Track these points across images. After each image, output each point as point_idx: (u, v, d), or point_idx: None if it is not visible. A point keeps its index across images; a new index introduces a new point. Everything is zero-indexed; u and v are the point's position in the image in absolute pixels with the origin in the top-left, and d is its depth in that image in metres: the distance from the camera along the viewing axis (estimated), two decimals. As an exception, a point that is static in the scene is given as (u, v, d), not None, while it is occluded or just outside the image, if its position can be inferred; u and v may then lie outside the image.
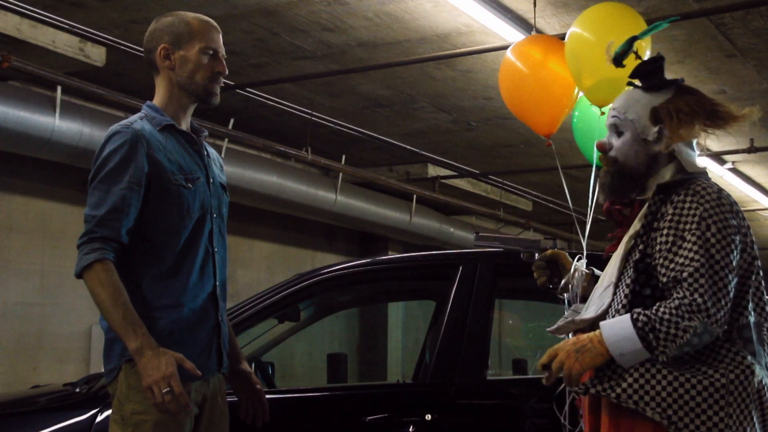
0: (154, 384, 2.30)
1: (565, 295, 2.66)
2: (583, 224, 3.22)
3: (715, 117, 2.36)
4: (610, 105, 2.52)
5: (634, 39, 2.56)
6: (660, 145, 2.34)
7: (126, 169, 2.44)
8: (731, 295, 2.16)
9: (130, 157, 2.45)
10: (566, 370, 2.21)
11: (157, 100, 2.62)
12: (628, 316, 2.18)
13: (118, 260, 2.41)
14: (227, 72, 2.65)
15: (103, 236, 2.39)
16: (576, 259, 2.67)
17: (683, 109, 2.32)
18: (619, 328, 2.17)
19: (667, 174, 2.35)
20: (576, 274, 2.63)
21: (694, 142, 2.40)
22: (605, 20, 3.94)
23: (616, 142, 2.42)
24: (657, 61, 2.42)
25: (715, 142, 8.02)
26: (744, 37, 5.64)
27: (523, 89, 4.28)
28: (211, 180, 2.64)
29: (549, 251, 2.71)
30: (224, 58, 2.64)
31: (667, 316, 2.12)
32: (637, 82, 2.45)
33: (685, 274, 2.15)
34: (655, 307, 2.16)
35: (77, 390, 3.25)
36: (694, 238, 2.17)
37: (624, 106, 2.42)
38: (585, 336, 2.23)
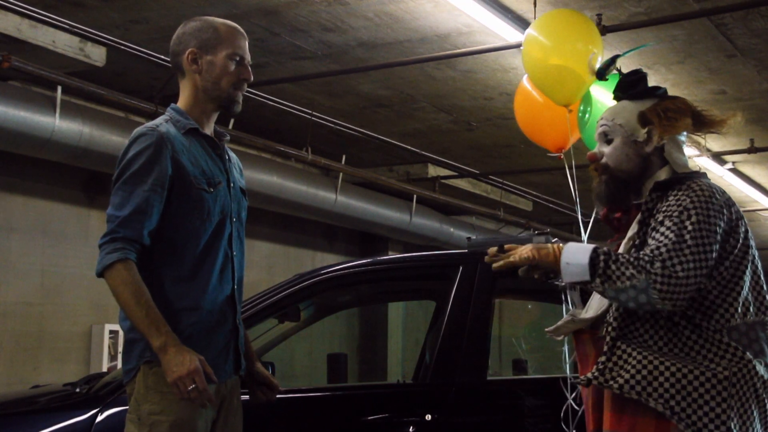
0: (179, 380, 2.32)
1: (561, 283, 2.66)
2: (585, 225, 3.25)
3: (701, 121, 2.45)
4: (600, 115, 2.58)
5: (617, 56, 2.67)
6: (650, 146, 2.41)
7: (150, 171, 2.46)
8: (692, 280, 2.17)
9: (155, 159, 2.47)
10: (518, 252, 2.36)
11: (182, 103, 2.64)
12: (590, 247, 2.28)
13: (139, 262, 2.42)
14: (252, 79, 2.67)
15: (125, 237, 2.41)
16: None
17: (671, 107, 2.42)
18: (580, 246, 2.29)
19: (662, 174, 2.40)
20: None
21: (684, 145, 2.46)
22: (560, 26, 4.16)
23: (607, 149, 2.48)
24: (638, 73, 2.51)
25: (715, 142, 8.02)
26: (744, 37, 5.64)
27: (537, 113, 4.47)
28: (232, 184, 2.66)
29: None
30: (249, 64, 2.66)
31: (623, 260, 2.21)
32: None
33: (651, 248, 2.21)
34: (630, 257, 2.24)
35: (77, 390, 3.25)
36: (670, 223, 2.23)
37: (612, 114, 2.50)
38: (548, 247, 2.36)
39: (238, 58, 2.61)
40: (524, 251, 2.35)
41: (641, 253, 2.22)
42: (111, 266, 2.38)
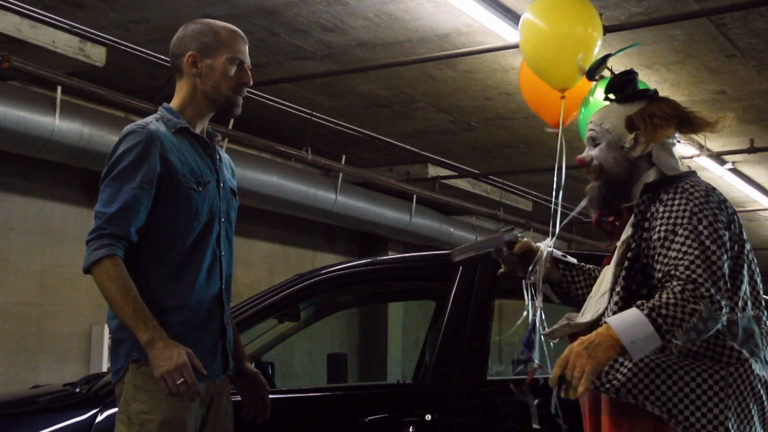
0: (167, 374, 2.32)
1: (530, 280, 2.69)
2: (557, 215, 3.24)
3: (688, 123, 2.43)
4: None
5: (608, 56, 2.66)
6: (636, 151, 2.40)
7: (139, 168, 2.46)
8: (728, 284, 2.17)
9: (144, 156, 2.47)
10: (579, 371, 2.06)
11: (176, 102, 2.64)
12: (633, 308, 2.13)
13: (126, 259, 2.43)
14: (252, 83, 2.68)
15: (113, 233, 2.42)
16: (544, 243, 2.70)
17: (656, 113, 2.39)
18: (626, 317, 2.11)
19: (651, 176, 2.40)
20: (543, 255, 2.67)
21: (672, 148, 2.45)
22: (559, 10, 4.13)
23: (595, 153, 2.48)
24: (629, 74, 2.50)
25: (715, 142, 8.02)
26: (744, 38, 5.64)
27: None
28: (222, 184, 2.66)
29: (518, 245, 2.70)
30: (249, 68, 2.67)
31: (672, 300, 2.09)
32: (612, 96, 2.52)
33: (681, 267, 2.15)
34: (657, 296, 2.13)
35: (77, 390, 3.25)
36: (686, 233, 2.19)
37: (600, 118, 2.49)
38: (589, 335, 2.13)
39: (238, 62, 2.62)
40: (579, 361, 2.06)
41: (674, 281, 2.13)
42: (98, 262, 2.39)
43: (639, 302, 2.14)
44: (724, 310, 2.12)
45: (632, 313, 2.11)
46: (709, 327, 2.11)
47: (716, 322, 2.12)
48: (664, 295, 2.12)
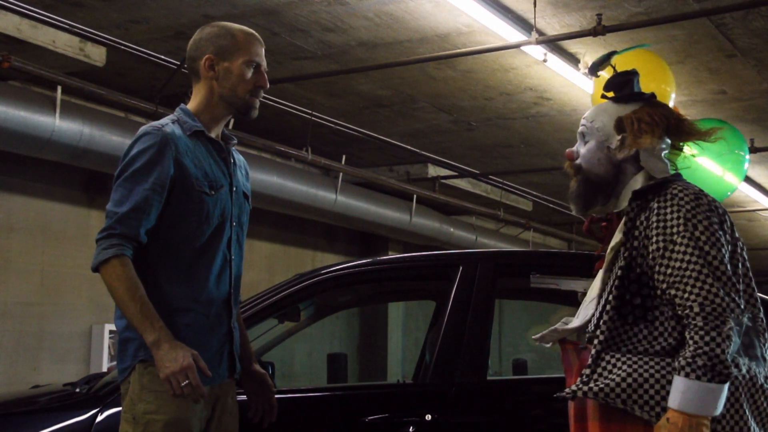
0: (172, 376, 2.34)
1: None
2: None
3: (679, 131, 2.42)
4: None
5: (612, 53, 2.64)
6: (622, 153, 2.40)
7: (152, 170, 2.47)
8: (736, 283, 2.18)
9: (158, 159, 2.48)
10: None
11: (193, 105, 2.65)
12: (677, 378, 2.10)
13: (135, 260, 2.44)
14: (268, 86, 2.69)
15: (123, 234, 2.43)
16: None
17: (644, 119, 2.38)
18: (690, 395, 2.08)
19: (639, 181, 2.39)
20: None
21: (662, 153, 2.43)
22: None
23: (582, 149, 2.48)
24: (629, 74, 2.49)
25: (715, 142, 7.99)
26: (744, 37, 5.64)
27: None
28: (234, 188, 2.67)
29: None
30: (266, 71, 2.68)
31: (707, 339, 2.09)
32: (610, 94, 2.51)
33: (691, 281, 2.15)
34: (689, 346, 2.10)
35: (77, 390, 3.25)
36: (685, 241, 2.20)
37: (593, 115, 2.49)
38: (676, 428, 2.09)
39: (254, 65, 2.63)
40: None
41: (692, 312, 2.12)
42: (107, 261, 2.40)
43: (682, 371, 2.09)
44: (744, 311, 2.15)
45: (687, 387, 2.08)
46: (743, 330, 2.15)
47: (744, 327, 2.15)
48: (694, 341, 2.10)
